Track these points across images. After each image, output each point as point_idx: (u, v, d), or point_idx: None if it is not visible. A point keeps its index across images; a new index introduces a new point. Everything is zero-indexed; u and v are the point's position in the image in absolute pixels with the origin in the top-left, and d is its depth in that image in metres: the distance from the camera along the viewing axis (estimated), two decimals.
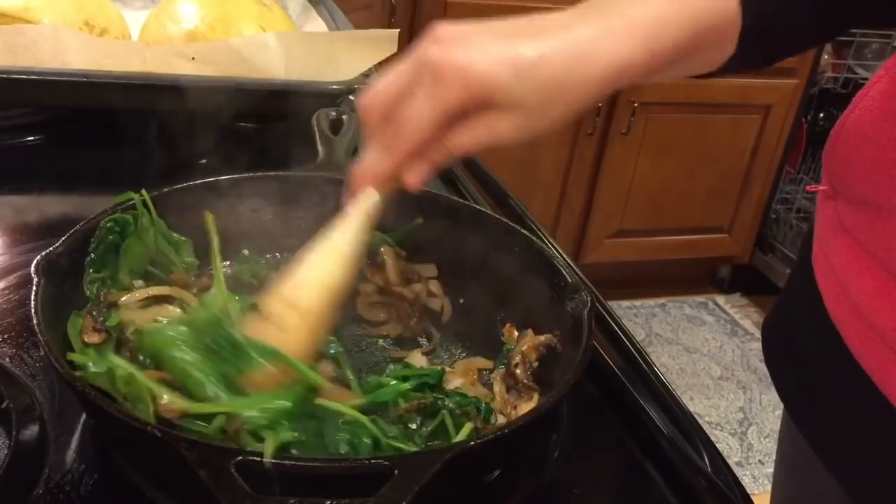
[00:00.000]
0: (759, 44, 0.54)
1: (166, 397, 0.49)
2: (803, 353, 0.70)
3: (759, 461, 2.19)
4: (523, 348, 0.61)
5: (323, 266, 0.54)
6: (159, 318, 0.59)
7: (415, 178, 0.52)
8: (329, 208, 0.74)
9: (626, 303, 2.78)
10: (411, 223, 0.73)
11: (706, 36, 0.52)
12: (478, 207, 0.76)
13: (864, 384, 0.60)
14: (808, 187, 0.75)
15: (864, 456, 0.63)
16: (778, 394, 0.74)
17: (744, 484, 0.59)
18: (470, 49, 0.48)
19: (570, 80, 0.49)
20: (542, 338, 0.61)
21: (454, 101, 0.48)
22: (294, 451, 0.48)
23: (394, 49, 1.00)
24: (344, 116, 0.87)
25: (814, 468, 0.69)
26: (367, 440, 0.50)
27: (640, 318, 2.74)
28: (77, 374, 0.50)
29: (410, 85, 0.50)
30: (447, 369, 0.62)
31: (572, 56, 0.49)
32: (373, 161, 0.52)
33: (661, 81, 0.56)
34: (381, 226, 0.74)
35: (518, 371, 0.60)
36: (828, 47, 2.54)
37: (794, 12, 0.54)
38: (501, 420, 0.57)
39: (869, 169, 0.59)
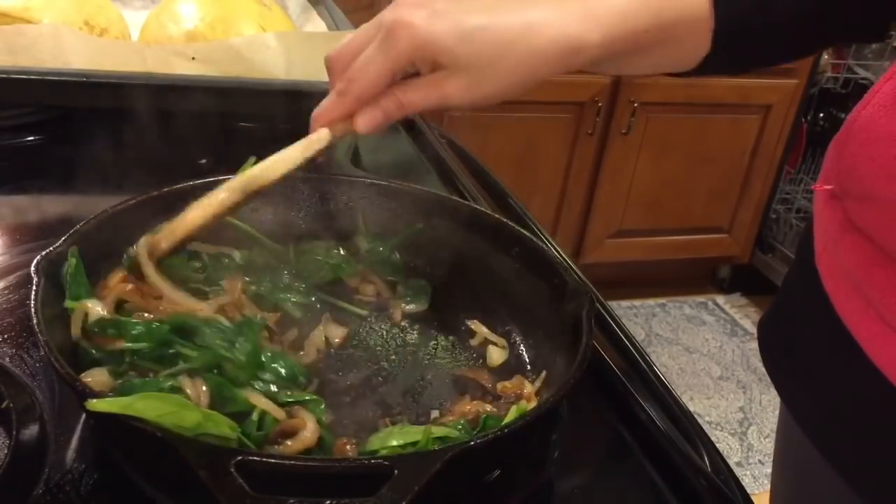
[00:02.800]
0: (732, 46, 0.55)
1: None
2: (806, 353, 0.70)
3: (759, 461, 2.19)
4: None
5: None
6: None
7: (364, 122, 0.57)
8: (329, 208, 0.75)
9: (626, 303, 2.78)
10: (413, 228, 0.73)
11: (670, 29, 0.54)
12: (478, 207, 0.76)
13: (875, 381, 0.60)
14: (813, 187, 0.74)
15: (872, 452, 0.63)
16: (779, 393, 0.74)
17: (744, 484, 0.59)
18: (423, 13, 0.52)
19: (516, 47, 0.52)
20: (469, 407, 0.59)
21: (402, 56, 0.53)
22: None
23: None
24: None
25: (813, 465, 0.69)
26: None
27: (640, 318, 2.74)
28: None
29: (369, 41, 0.55)
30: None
31: (521, 26, 0.52)
32: (327, 104, 0.58)
33: (633, 73, 0.58)
34: (384, 230, 0.74)
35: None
36: None
37: (770, 18, 0.55)
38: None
39: (885, 164, 0.59)
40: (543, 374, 0.62)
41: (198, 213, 0.60)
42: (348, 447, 0.53)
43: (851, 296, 0.63)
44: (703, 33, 0.54)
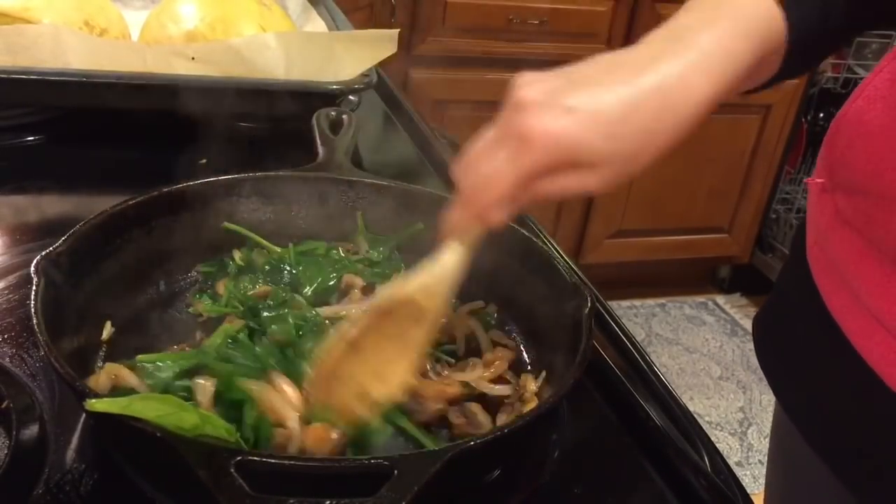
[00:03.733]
0: (800, 58, 0.54)
1: None
2: (799, 349, 0.70)
3: (759, 461, 2.19)
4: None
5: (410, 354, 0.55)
6: None
7: (497, 221, 0.51)
8: (329, 208, 0.75)
9: (626, 303, 2.78)
10: (413, 228, 0.73)
11: (765, 61, 0.52)
12: None
13: (865, 376, 0.60)
14: (805, 180, 0.75)
15: (864, 448, 0.63)
16: (772, 390, 0.74)
17: (744, 484, 0.59)
18: (555, 114, 0.47)
19: (661, 127, 0.48)
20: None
21: (538, 167, 0.48)
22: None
23: (394, 49, 1.00)
24: (344, 116, 0.87)
25: (806, 461, 0.69)
26: None
27: (640, 318, 2.74)
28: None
29: (497, 149, 0.49)
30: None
31: (660, 102, 0.48)
32: (454, 213, 0.53)
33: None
34: (384, 230, 0.74)
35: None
36: None
37: (830, 23, 0.54)
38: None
39: (872, 158, 0.59)
40: (543, 374, 0.62)
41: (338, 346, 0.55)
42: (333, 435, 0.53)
43: (840, 290, 0.63)
44: (779, 56, 0.53)
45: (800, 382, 0.70)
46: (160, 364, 0.55)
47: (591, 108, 0.47)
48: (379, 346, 0.55)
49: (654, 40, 0.50)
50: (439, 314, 0.55)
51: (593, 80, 0.49)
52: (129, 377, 0.54)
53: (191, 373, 0.55)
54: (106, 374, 0.54)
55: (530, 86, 0.48)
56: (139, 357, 0.56)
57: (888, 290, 0.58)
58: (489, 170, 0.49)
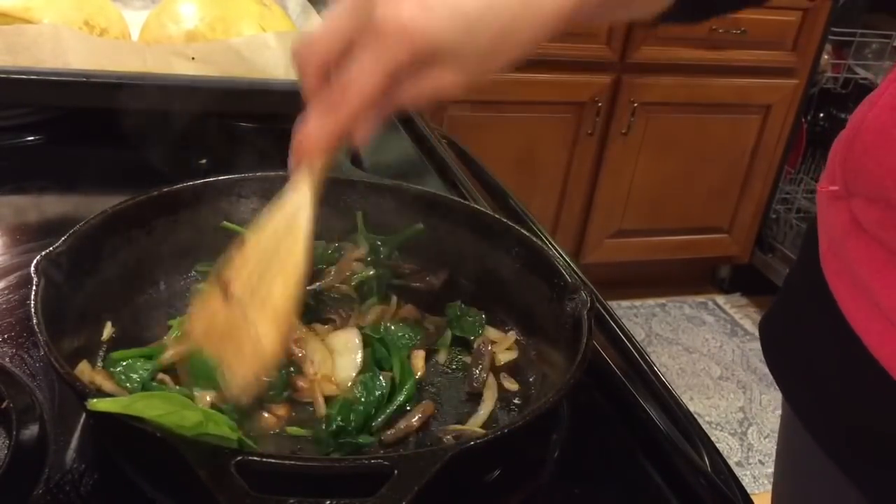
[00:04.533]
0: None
1: None
2: (811, 352, 0.70)
3: (759, 461, 2.19)
4: None
5: (290, 255, 0.52)
6: None
7: (362, 135, 0.50)
8: (329, 208, 0.75)
9: (626, 303, 2.78)
10: (412, 228, 0.73)
11: None
12: (478, 207, 0.76)
13: (881, 381, 0.60)
14: (819, 187, 0.73)
15: (878, 451, 0.63)
16: (781, 390, 0.74)
17: (744, 484, 0.59)
18: (412, 6, 0.46)
19: (518, 26, 0.48)
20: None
21: (401, 62, 0.47)
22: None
23: None
24: None
25: (816, 463, 0.69)
26: None
27: (640, 318, 2.74)
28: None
29: (351, 40, 0.47)
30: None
31: (519, 2, 0.47)
32: (317, 126, 0.50)
33: (600, 23, 0.55)
34: (384, 230, 0.74)
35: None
36: (828, 47, 2.54)
37: None
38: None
39: (893, 167, 0.58)
40: (543, 373, 0.62)
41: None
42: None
43: (857, 296, 0.63)
44: None
45: (811, 385, 0.70)
46: (132, 365, 0.56)
47: (450, 4, 0.46)
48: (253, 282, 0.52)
49: None
50: (302, 268, 0.52)
51: None
52: (104, 383, 0.54)
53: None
54: (86, 376, 0.54)
55: None
56: (112, 355, 0.57)
57: None
58: (349, 71, 0.47)
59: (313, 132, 0.50)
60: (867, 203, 0.62)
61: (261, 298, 0.51)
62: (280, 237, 0.52)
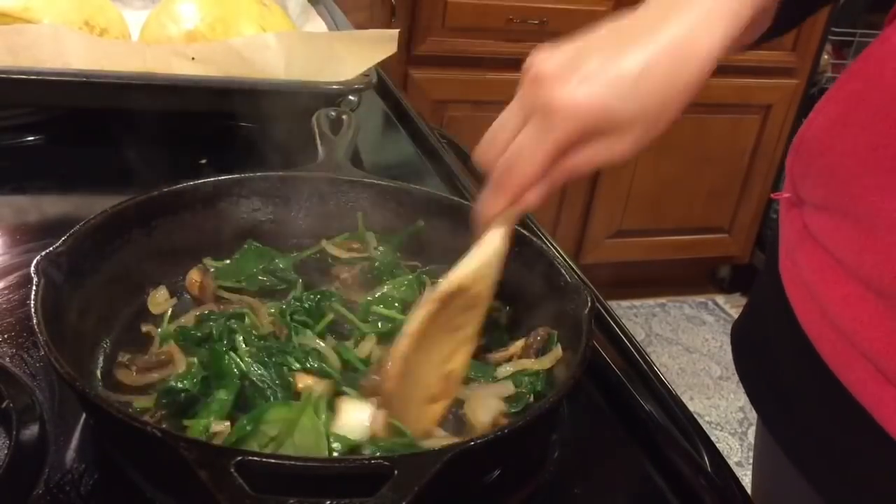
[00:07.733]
0: (791, 11, 0.55)
1: None
2: (773, 359, 0.70)
3: None
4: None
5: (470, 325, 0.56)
6: None
7: (535, 200, 0.53)
8: (329, 208, 0.75)
9: (626, 303, 2.78)
10: (413, 226, 0.73)
11: (759, 16, 0.53)
12: None
13: (834, 388, 0.59)
14: (772, 195, 0.74)
15: (837, 460, 0.63)
16: (749, 399, 0.74)
17: (744, 484, 0.59)
18: (573, 84, 0.48)
19: (675, 84, 0.49)
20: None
21: (564, 141, 0.49)
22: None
23: (394, 49, 1.00)
24: (344, 116, 0.87)
25: (787, 471, 0.69)
26: None
27: (640, 318, 2.74)
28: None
29: (520, 128, 0.50)
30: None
31: (672, 61, 0.49)
32: (489, 200, 0.54)
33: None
34: (384, 229, 0.74)
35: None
36: (828, 47, 2.55)
37: None
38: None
39: (827, 177, 0.59)
40: (543, 372, 0.62)
41: (405, 340, 0.55)
42: None
43: (809, 303, 0.62)
44: (771, 10, 0.54)
45: (775, 393, 0.69)
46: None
47: (608, 74, 0.48)
48: (438, 340, 0.55)
49: (656, 3, 0.51)
50: (489, 300, 0.56)
51: (605, 47, 0.50)
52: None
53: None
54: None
55: (545, 60, 0.49)
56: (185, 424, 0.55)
57: (853, 307, 0.57)
58: (517, 149, 0.50)
59: (489, 207, 0.54)
60: (815, 210, 0.62)
61: (441, 370, 0.55)
62: (469, 300, 0.55)
